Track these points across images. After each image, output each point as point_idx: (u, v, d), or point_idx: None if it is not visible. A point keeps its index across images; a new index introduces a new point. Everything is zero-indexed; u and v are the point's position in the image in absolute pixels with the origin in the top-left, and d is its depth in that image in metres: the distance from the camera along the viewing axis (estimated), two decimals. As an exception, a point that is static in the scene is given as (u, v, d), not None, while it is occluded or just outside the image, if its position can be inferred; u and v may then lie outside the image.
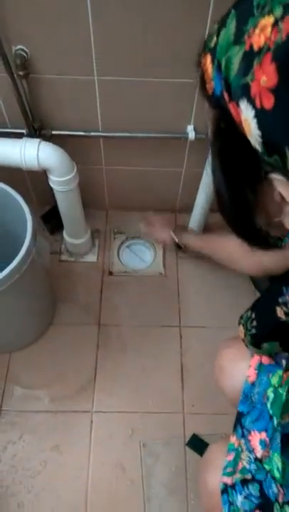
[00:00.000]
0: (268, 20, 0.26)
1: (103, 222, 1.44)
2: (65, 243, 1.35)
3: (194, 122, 1.09)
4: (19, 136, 1.02)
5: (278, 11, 0.25)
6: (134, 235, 1.40)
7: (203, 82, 0.32)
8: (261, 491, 0.60)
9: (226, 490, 0.63)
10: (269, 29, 0.25)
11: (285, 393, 0.63)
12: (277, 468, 0.60)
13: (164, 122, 1.08)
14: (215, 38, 0.30)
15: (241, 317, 0.65)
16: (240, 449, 0.65)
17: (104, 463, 1.02)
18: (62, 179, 1.00)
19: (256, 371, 0.70)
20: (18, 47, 0.91)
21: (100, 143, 1.16)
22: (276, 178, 0.31)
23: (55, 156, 0.96)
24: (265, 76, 0.25)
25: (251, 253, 0.84)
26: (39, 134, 1.06)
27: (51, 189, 1.07)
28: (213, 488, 0.66)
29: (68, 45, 0.91)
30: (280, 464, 0.60)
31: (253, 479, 0.62)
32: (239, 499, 0.61)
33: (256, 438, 0.64)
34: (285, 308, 0.49)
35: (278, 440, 0.61)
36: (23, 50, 0.91)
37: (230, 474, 0.64)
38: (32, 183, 1.30)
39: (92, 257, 1.36)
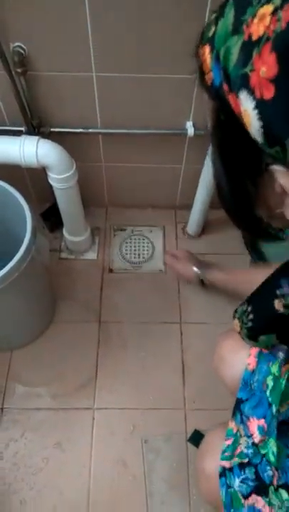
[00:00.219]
0: (266, 9, 0.25)
1: (103, 220, 1.44)
2: (64, 241, 1.35)
3: (193, 118, 1.08)
4: (18, 133, 1.01)
5: (277, 0, 0.25)
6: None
7: (201, 73, 0.32)
8: (256, 473, 0.61)
9: (224, 473, 0.64)
10: (268, 18, 0.25)
11: (284, 382, 0.64)
12: (273, 453, 0.60)
13: (162, 118, 1.08)
14: (213, 28, 0.30)
15: (236, 311, 0.65)
16: (238, 435, 0.66)
17: (105, 459, 1.02)
18: (61, 176, 1.00)
19: (256, 359, 0.71)
20: (16, 44, 0.90)
21: (99, 140, 1.16)
22: (277, 169, 0.31)
23: (54, 153, 0.96)
24: (264, 66, 0.25)
25: None
26: (38, 132, 1.06)
27: (51, 187, 1.07)
28: (210, 473, 0.67)
29: (66, 42, 0.90)
30: (275, 448, 0.61)
31: (250, 463, 0.62)
32: (236, 482, 0.62)
33: (254, 424, 0.65)
34: (283, 301, 0.49)
35: (274, 426, 0.62)
36: (20, 47, 0.91)
37: (229, 458, 0.65)
38: (31, 180, 1.30)
39: (92, 255, 1.36)
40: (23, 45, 0.91)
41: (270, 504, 0.59)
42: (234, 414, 0.69)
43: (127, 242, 1.39)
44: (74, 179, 1.04)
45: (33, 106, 1.02)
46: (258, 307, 0.58)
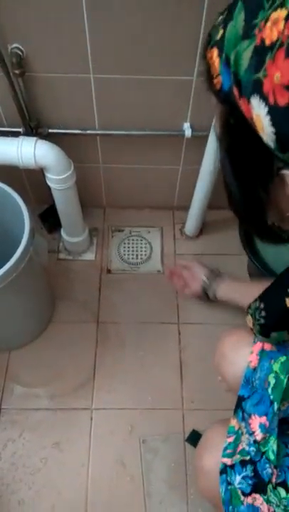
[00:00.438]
0: (280, 14, 0.24)
1: (101, 221, 1.44)
2: (63, 242, 1.35)
3: (191, 120, 1.09)
4: (16, 135, 1.02)
5: None
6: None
7: (209, 76, 0.32)
8: (255, 471, 0.62)
9: (224, 470, 0.64)
10: (282, 23, 0.24)
11: (286, 380, 0.64)
12: (273, 451, 0.61)
13: (160, 120, 1.09)
14: (221, 31, 0.29)
15: (249, 307, 0.65)
16: (240, 432, 0.66)
17: (104, 459, 1.02)
18: (59, 177, 1.00)
19: (258, 357, 0.71)
20: (14, 45, 0.91)
21: (96, 141, 1.17)
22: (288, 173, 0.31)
23: (51, 153, 0.96)
24: (279, 72, 0.24)
25: None
26: (36, 133, 1.06)
27: (49, 188, 1.07)
28: (209, 469, 0.67)
29: (64, 44, 0.91)
30: (275, 447, 0.61)
31: (250, 460, 0.63)
32: (237, 479, 0.62)
33: (256, 422, 0.65)
34: None
35: (276, 424, 0.63)
36: (18, 48, 0.91)
37: (230, 456, 0.65)
38: (29, 182, 1.30)
39: (90, 256, 1.36)
40: (21, 47, 0.91)
41: (268, 502, 0.60)
42: (236, 412, 0.69)
43: (125, 243, 1.40)
44: (72, 180, 1.04)
45: (31, 107, 1.03)
46: (270, 304, 0.58)
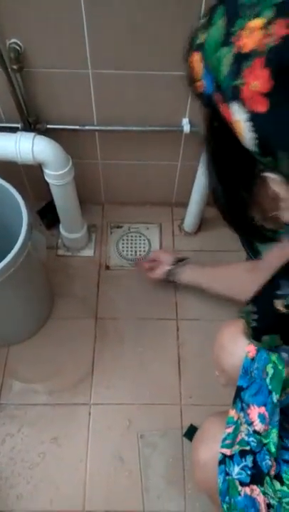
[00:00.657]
0: (256, 23, 0.25)
1: (100, 217, 1.44)
2: (61, 238, 1.35)
3: (189, 115, 1.09)
4: (14, 130, 1.02)
5: (269, 13, 0.25)
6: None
7: (191, 80, 0.32)
8: (254, 461, 0.62)
9: (223, 461, 0.64)
10: (258, 32, 0.25)
11: (284, 370, 0.65)
12: (274, 443, 0.61)
13: (159, 115, 1.09)
14: (202, 35, 0.30)
15: (241, 311, 0.66)
16: (239, 422, 0.67)
17: (102, 454, 1.02)
18: (57, 173, 1.00)
19: (256, 347, 0.71)
20: (12, 40, 0.91)
21: (95, 137, 1.16)
22: (270, 176, 0.31)
23: (49, 149, 0.96)
24: (256, 81, 0.25)
25: (257, 277, 0.85)
26: (34, 128, 1.06)
27: (47, 184, 1.07)
28: (205, 462, 0.68)
29: (62, 39, 0.91)
30: (276, 439, 0.61)
31: (250, 451, 0.63)
32: (236, 470, 0.62)
33: (255, 412, 0.65)
34: (284, 301, 0.50)
35: (277, 417, 0.63)
36: (16, 43, 0.91)
37: (229, 446, 0.65)
38: (28, 178, 1.30)
39: (89, 252, 1.36)
40: (19, 42, 0.91)
41: (264, 493, 0.60)
42: (234, 402, 0.70)
43: (123, 239, 1.40)
44: (70, 176, 1.04)
45: (29, 103, 1.03)
46: (262, 307, 0.59)
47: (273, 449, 0.61)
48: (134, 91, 1.02)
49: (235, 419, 0.68)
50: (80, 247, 1.36)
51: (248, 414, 0.66)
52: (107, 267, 1.33)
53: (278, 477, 0.60)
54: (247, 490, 0.61)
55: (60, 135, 1.06)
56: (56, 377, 1.13)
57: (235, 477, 0.62)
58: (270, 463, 0.61)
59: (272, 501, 0.59)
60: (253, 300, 0.62)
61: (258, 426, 0.64)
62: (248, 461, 0.63)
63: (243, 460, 0.63)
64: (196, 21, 0.31)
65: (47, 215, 1.34)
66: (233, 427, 0.67)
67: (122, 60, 0.95)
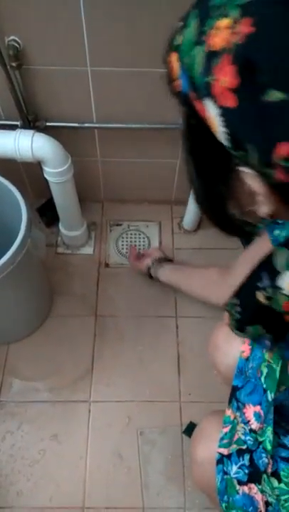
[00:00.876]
0: (223, 22, 0.27)
1: (99, 215, 1.44)
2: (61, 236, 1.35)
3: (188, 113, 1.09)
4: (13, 128, 1.02)
5: (234, 13, 0.26)
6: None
7: (170, 80, 0.34)
8: (251, 460, 0.63)
9: (221, 460, 0.65)
10: (225, 31, 0.26)
11: (278, 368, 0.65)
12: (269, 441, 0.62)
13: (158, 113, 1.08)
14: (179, 37, 0.32)
15: (227, 304, 0.66)
16: (236, 422, 0.67)
17: (102, 451, 1.03)
18: (56, 170, 1.00)
19: (250, 346, 0.72)
20: (11, 38, 0.90)
21: (94, 134, 1.16)
22: (244, 170, 0.33)
23: (48, 146, 0.96)
24: (225, 77, 0.27)
25: (226, 280, 0.87)
26: (33, 126, 1.06)
27: (47, 182, 1.07)
28: (203, 460, 0.68)
29: (61, 36, 0.91)
30: (271, 437, 0.62)
31: (247, 449, 0.64)
32: (234, 469, 0.63)
33: (251, 411, 0.66)
34: (264, 293, 0.51)
35: (272, 415, 0.63)
36: (15, 41, 0.91)
37: (227, 446, 0.66)
38: (28, 176, 1.30)
39: (88, 250, 1.36)
40: (18, 39, 0.91)
41: (262, 492, 0.60)
42: (230, 402, 0.70)
43: (123, 237, 1.40)
44: (69, 173, 1.04)
45: (28, 100, 1.02)
46: (244, 300, 0.59)
47: (269, 447, 0.62)
48: (134, 88, 1.02)
49: (231, 418, 0.69)
50: (79, 245, 1.36)
51: (244, 414, 0.67)
52: (107, 265, 1.33)
53: (276, 475, 0.61)
54: (245, 488, 0.62)
55: (60, 133, 1.06)
56: (56, 375, 1.13)
57: (233, 476, 0.63)
58: (266, 461, 0.62)
59: (270, 499, 0.60)
60: (236, 293, 0.63)
61: (254, 424, 0.65)
62: (245, 459, 0.63)
63: (241, 459, 0.63)
64: (177, 23, 0.33)
65: (46, 212, 1.34)
66: (230, 426, 0.68)
67: (121, 57, 0.95)
